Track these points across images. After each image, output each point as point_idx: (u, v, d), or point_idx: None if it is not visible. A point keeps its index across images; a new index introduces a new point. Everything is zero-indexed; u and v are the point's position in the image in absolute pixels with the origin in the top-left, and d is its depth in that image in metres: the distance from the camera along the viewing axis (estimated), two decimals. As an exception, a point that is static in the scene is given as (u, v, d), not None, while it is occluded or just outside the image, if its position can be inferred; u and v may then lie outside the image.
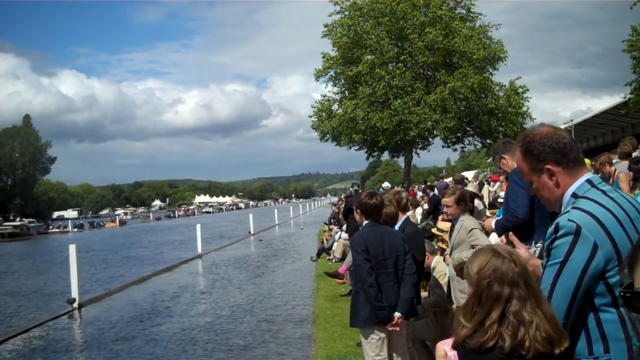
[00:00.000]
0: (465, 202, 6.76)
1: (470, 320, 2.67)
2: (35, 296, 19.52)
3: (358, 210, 6.02)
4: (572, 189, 2.85)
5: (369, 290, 5.56)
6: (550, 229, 2.76)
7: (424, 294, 6.43)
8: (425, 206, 18.31)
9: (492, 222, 6.54)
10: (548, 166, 2.87)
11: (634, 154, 10.05)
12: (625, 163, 9.09)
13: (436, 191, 18.90)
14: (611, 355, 2.64)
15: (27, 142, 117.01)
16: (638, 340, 2.56)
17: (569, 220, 2.69)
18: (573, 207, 2.75)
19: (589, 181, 2.84)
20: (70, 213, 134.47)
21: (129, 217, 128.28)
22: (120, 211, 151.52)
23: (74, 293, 15.93)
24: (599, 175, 10.10)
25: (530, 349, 2.56)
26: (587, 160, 14.77)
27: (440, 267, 7.12)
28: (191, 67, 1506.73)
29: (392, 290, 5.64)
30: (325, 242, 23.44)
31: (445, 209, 6.90)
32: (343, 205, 19.43)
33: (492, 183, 20.64)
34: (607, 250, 2.62)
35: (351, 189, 20.15)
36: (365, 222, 5.90)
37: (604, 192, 2.80)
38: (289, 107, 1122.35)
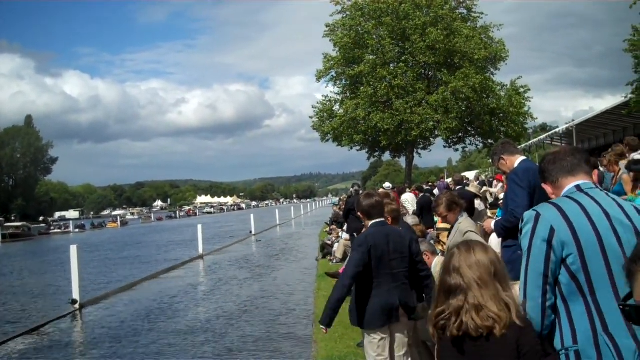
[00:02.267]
0: (457, 204, 6.78)
1: (433, 309, 3.02)
2: (37, 297, 19.54)
3: (360, 213, 6.03)
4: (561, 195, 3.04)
5: (342, 290, 5.54)
6: (520, 223, 2.99)
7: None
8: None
9: (491, 223, 6.54)
10: (543, 185, 3.20)
11: (633, 155, 10.05)
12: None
13: (436, 191, 18.81)
14: (579, 346, 2.71)
15: (28, 142, 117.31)
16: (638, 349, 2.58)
17: (532, 210, 2.93)
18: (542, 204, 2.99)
19: (577, 186, 3.00)
20: (72, 214, 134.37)
21: (135, 217, 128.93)
22: (119, 212, 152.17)
23: (75, 294, 15.95)
24: (611, 174, 10.13)
25: (473, 329, 2.80)
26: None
27: (440, 268, 7.11)
28: (194, 67, 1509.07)
29: (398, 291, 5.62)
30: (331, 241, 23.35)
31: (441, 220, 6.94)
32: (344, 206, 19.40)
33: (495, 182, 20.59)
34: (564, 234, 2.76)
35: (352, 190, 20.14)
36: (370, 222, 5.90)
37: (587, 194, 2.93)
38: (292, 108, 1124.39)
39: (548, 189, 3.15)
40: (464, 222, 6.60)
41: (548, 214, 2.84)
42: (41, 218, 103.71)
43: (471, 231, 6.41)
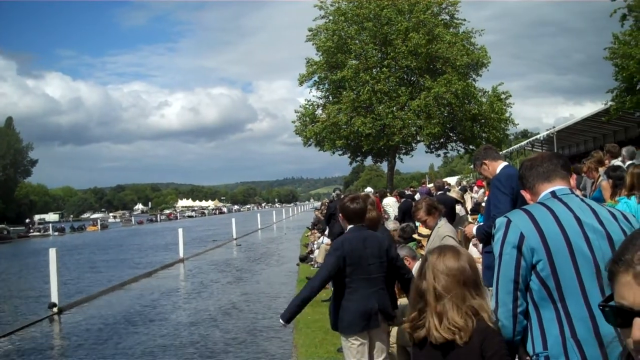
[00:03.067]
0: (437, 208, 6.80)
1: (409, 313, 3.07)
2: (15, 300, 19.32)
3: (341, 215, 6.00)
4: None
5: (309, 293, 5.56)
6: (492, 230, 3.01)
7: (402, 300, 6.41)
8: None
9: (473, 228, 6.54)
10: (522, 192, 3.25)
11: (613, 162, 10.12)
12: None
13: (418, 197, 18.83)
14: (549, 352, 2.73)
15: (8, 144, 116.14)
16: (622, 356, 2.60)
17: (503, 217, 2.95)
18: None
19: (552, 192, 3.03)
20: (52, 216, 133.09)
21: (117, 220, 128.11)
22: (97, 215, 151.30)
23: (54, 297, 15.77)
24: (591, 180, 10.21)
25: (435, 337, 2.85)
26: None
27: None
28: (177, 70, 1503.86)
29: (376, 296, 5.59)
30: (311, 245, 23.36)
31: (421, 224, 6.95)
32: (325, 210, 19.38)
33: (475, 189, 20.66)
34: (534, 241, 2.77)
35: (333, 194, 20.11)
36: (349, 226, 5.87)
37: (560, 200, 2.96)
38: (275, 112, 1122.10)
39: (527, 195, 3.18)
40: (443, 227, 6.62)
41: (518, 220, 2.86)
42: (28, 220, 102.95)
43: (449, 236, 6.42)
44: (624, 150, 10.59)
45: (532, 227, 2.80)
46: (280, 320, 5.58)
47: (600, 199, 8.77)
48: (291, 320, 5.59)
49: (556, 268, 2.73)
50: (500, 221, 2.93)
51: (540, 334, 2.77)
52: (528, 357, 2.85)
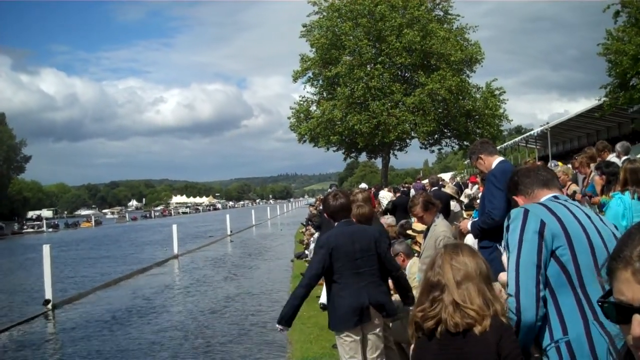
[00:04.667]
0: (434, 204, 6.78)
1: (415, 307, 3.05)
2: (9, 297, 19.27)
3: (325, 214, 5.99)
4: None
5: (301, 290, 5.57)
6: (505, 221, 3.04)
7: (396, 296, 6.40)
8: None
9: (468, 224, 6.53)
10: (515, 198, 3.34)
11: (610, 157, 10.15)
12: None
13: (412, 192, 18.86)
14: (569, 336, 2.75)
15: (1, 140, 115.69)
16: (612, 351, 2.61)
17: (519, 208, 3.02)
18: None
19: (554, 197, 3.14)
20: (45, 213, 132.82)
21: (115, 216, 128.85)
22: (89, 211, 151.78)
23: (48, 294, 15.74)
24: (582, 175, 10.27)
25: (452, 325, 2.81)
26: (560, 163, 14.92)
27: (414, 269, 7.10)
28: (172, 66, 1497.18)
29: (365, 290, 5.55)
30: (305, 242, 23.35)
31: (417, 220, 6.94)
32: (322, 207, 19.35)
33: (470, 185, 20.68)
34: (555, 227, 2.83)
35: (330, 190, 20.09)
36: (336, 223, 5.86)
37: (563, 203, 3.06)
38: (270, 108, 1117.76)
39: (520, 200, 3.25)
40: (439, 225, 6.60)
41: (536, 209, 2.93)
42: (30, 214, 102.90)
43: (447, 237, 6.40)
44: (618, 146, 10.61)
45: (550, 215, 2.88)
46: (277, 326, 5.60)
47: (593, 194, 8.81)
48: (288, 323, 5.59)
49: (576, 253, 2.79)
50: (516, 211, 2.98)
51: (559, 320, 2.79)
52: (537, 355, 2.87)
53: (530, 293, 2.81)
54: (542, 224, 2.83)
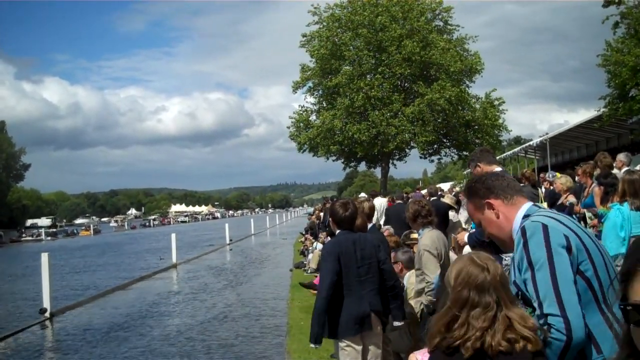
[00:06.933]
0: (422, 216, 6.63)
1: (442, 324, 2.71)
2: (7, 306, 19.22)
3: (330, 219, 6.00)
4: (520, 213, 3.00)
5: (322, 301, 5.53)
6: (517, 235, 2.85)
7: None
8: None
9: (465, 236, 6.49)
10: (488, 201, 3.07)
11: (624, 170, 10.12)
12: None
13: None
14: (604, 354, 2.63)
15: (0, 148, 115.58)
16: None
17: (532, 221, 2.81)
18: (530, 218, 2.89)
19: (536, 205, 3.03)
20: (44, 221, 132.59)
21: (119, 224, 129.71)
22: (84, 220, 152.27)
23: (46, 303, 15.68)
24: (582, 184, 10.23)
25: (491, 349, 2.57)
26: (557, 174, 14.91)
27: (413, 279, 7.08)
28: (173, 75, 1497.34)
29: (368, 297, 5.59)
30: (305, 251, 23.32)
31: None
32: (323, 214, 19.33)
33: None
34: (576, 241, 2.71)
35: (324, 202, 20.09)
36: (338, 230, 5.88)
37: (564, 216, 2.94)
38: (271, 117, 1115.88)
39: (496, 203, 3.06)
40: (424, 238, 6.47)
41: (553, 223, 2.77)
42: (28, 223, 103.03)
43: (427, 251, 6.29)
44: (622, 156, 10.55)
45: (567, 229, 2.75)
46: (312, 345, 5.59)
47: (592, 205, 8.80)
48: (320, 339, 5.57)
49: (596, 268, 2.70)
50: (533, 225, 2.79)
51: (590, 340, 2.65)
52: None
53: (577, 311, 2.63)
54: (566, 238, 2.70)
